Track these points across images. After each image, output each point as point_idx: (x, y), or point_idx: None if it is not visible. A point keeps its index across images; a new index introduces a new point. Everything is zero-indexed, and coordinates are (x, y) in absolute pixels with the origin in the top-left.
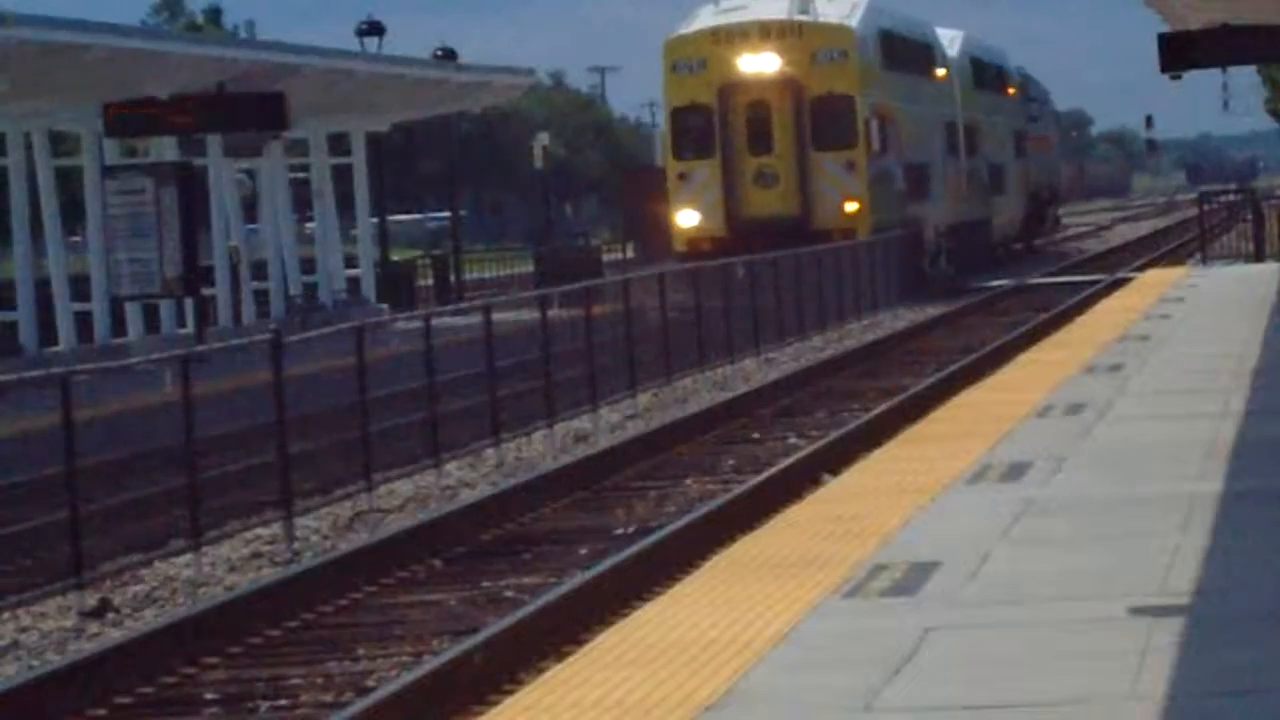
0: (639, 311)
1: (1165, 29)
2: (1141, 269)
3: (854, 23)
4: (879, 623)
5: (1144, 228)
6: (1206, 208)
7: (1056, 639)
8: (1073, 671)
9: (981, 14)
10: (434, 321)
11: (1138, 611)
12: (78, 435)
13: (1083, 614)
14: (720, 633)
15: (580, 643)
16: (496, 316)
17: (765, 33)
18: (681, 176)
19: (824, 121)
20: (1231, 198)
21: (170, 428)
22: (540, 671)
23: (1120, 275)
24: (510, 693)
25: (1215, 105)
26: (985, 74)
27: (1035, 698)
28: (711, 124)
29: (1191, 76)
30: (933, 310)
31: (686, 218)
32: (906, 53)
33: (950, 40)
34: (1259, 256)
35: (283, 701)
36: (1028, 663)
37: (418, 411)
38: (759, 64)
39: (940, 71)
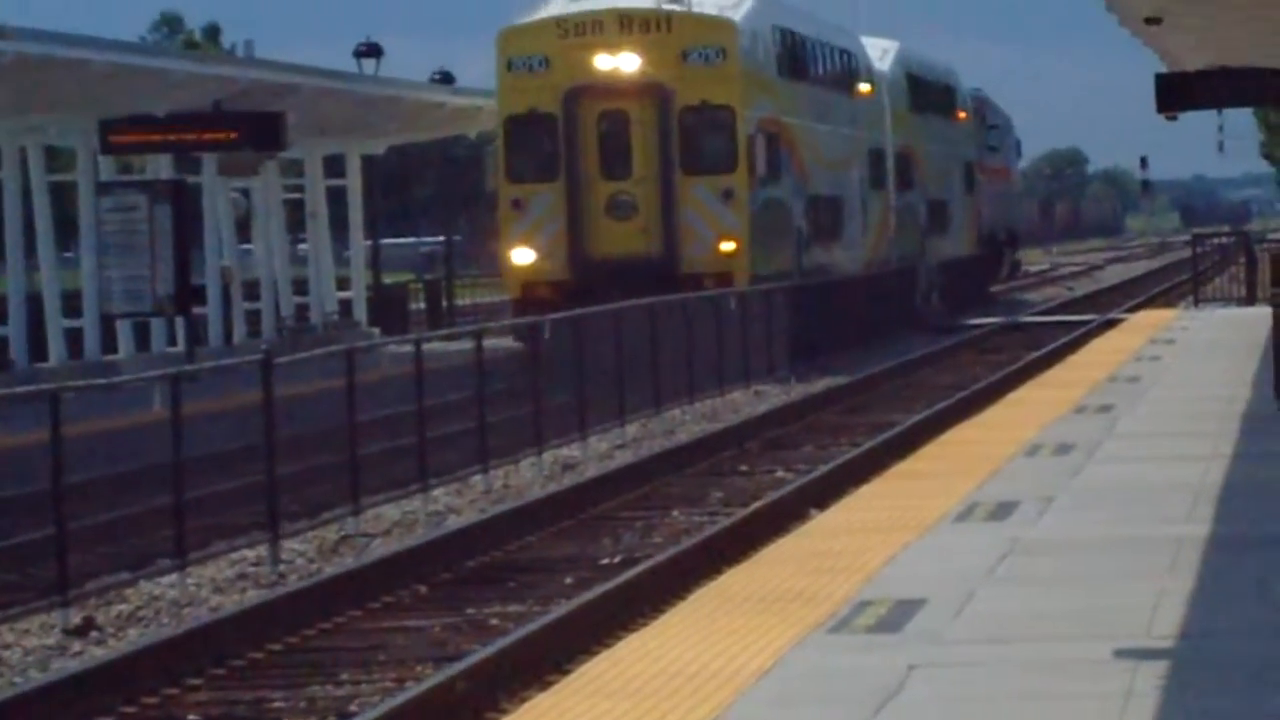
0: (630, 340)
1: (1163, 69)
2: (1133, 310)
3: (738, 16)
4: (863, 659)
5: (1137, 268)
6: (1199, 250)
7: (1040, 680)
8: (1056, 713)
9: (977, 48)
10: (425, 346)
11: (1122, 654)
12: (66, 452)
13: (1067, 655)
14: (705, 665)
15: (564, 672)
16: (488, 342)
17: (625, 24)
18: (516, 204)
19: (696, 138)
20: (1225, 240)
21: (158, 446)
22: (523, 700)
23: (1112, 316)
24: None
25: (1210, 147)
26: (926, 94)
27: None
28: (555, 138)
29: (1188, 118)
30: (921, 349)
31: (521, 256)
32: (815, 59)
33: (882, 52)
34: (1251, 300)
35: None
36: (1011, 703)
37: (407, 436)
38: (616, 64)
39: (864, 87)
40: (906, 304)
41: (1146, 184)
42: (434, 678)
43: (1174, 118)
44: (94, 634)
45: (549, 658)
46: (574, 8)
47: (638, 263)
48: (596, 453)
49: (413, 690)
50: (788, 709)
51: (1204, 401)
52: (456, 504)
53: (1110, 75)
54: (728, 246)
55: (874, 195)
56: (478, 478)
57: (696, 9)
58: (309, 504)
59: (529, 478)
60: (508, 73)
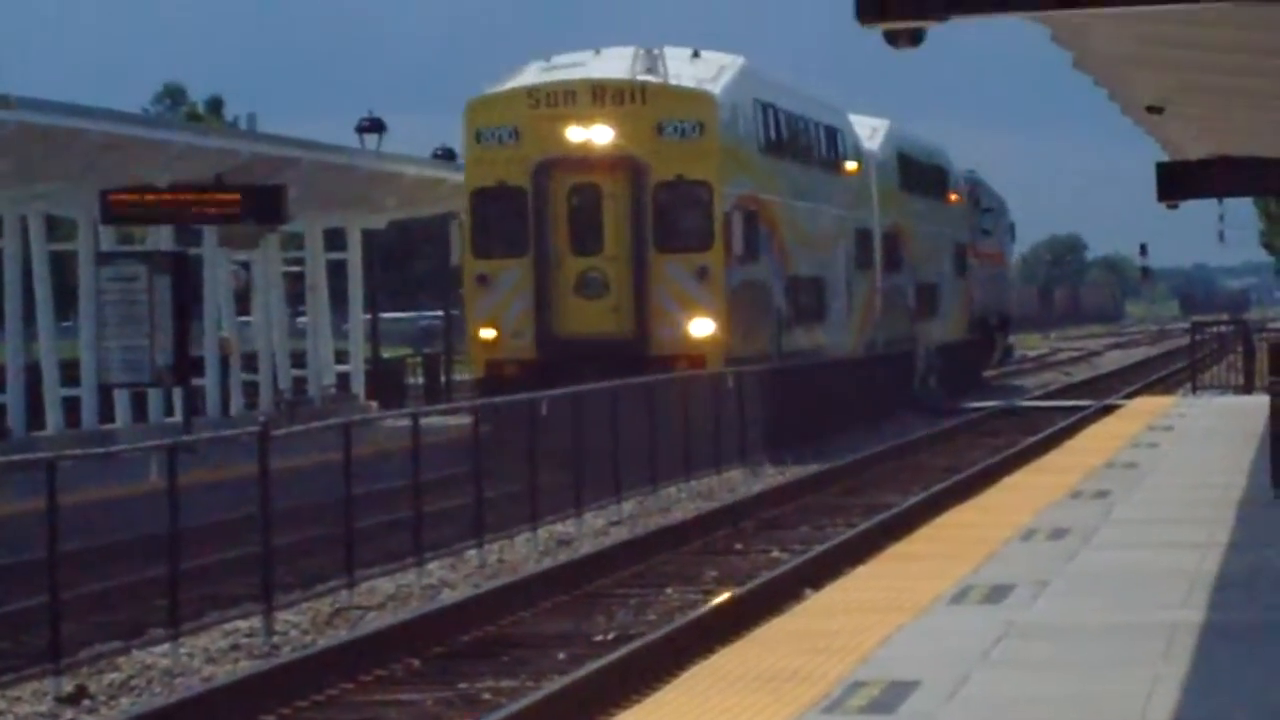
0: (625, 419)
1: (1164, 157)
2: (1131, 396)
3: (717, 89)
4: None
5: (1136, 355)
6: (1198, 338)
7: None
8: None
9: (978, 133)
10: (422, 421)
11: None
12: (61, 521)
13: None
14: None
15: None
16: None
17: (598, 95)
18: (482, 280)
19: (671, 215)
20: (1223, 329)
21: (154, 516)
22: None
23: (1109, 402)
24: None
25: (1211, 236)
26: (917, 174)
27: None
28: (524, 212)
29: (1188, 206)
30: (918, 431)
31: (486, 334)
32: (799, 135)
33: (872, 131)
34: (1248, 389)
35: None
36: None
37: (402, 510)
38: (588, 136)
39: (851, 165)
40: (903, 387)
41: (1146, 271)
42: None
43: (1175, 206)
44: (86, 702)
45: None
46: (545, 77)
47: (607, 343)
48: (592, 529)
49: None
50: None
51: (1201, 489)
52: (451, 578)
53: (1111, 163)
54: (703, 329)
55: (860, 276)
56: (473, 552)
57: (674, 80)
58: (304, 575)
59: (524, 553)
60: (476, 144)
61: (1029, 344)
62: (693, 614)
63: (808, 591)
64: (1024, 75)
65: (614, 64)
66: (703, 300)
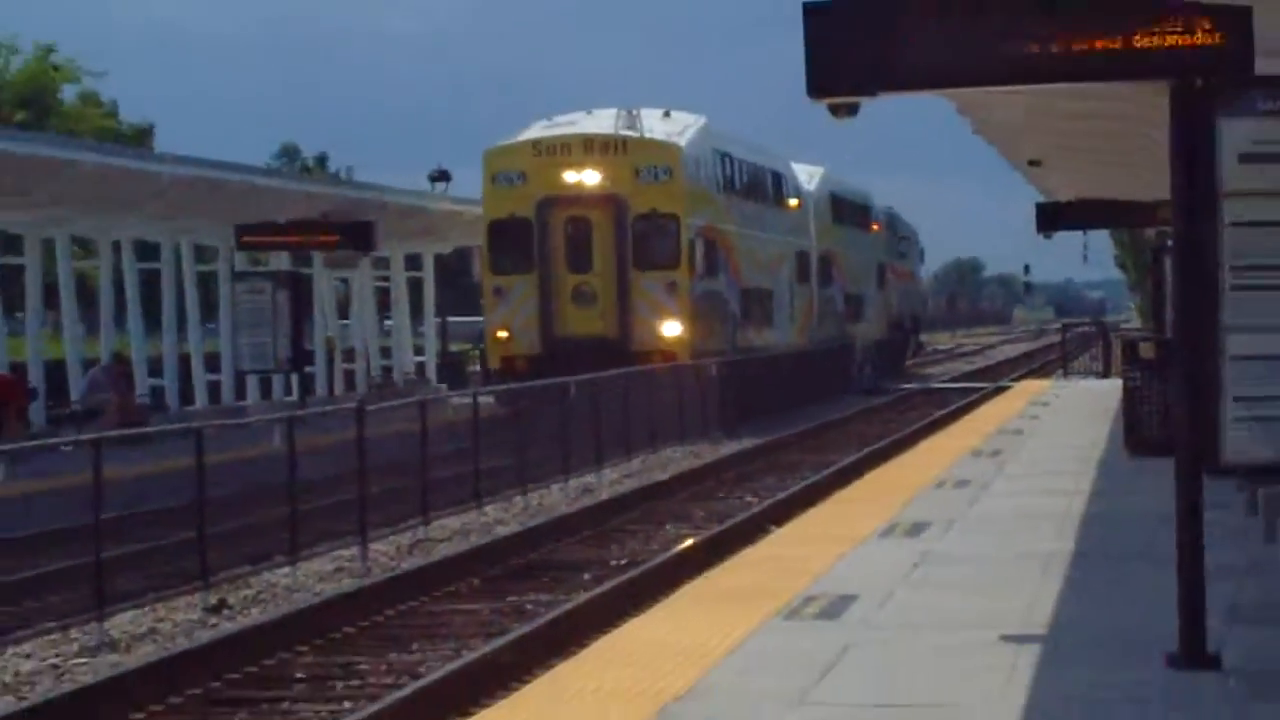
0: (632, 397)
1: (1041, 199)
2: (1017, 380)
3: (683, 141)
4: (810, 639)
5: (1021, 348)
6: (1068, 335)
7: (947, 657)
8: (959, 682)
9: (902, 181)
10: (480, 399)
11: (1007, 638)
12: (207, 474)
13: (967, 639)
14: (688, 642)
15: (583, 645)
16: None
17: (588, 147)
18: (497, 291)
19: (646, 241)
20: (1087, 328)
21: (276, 471)
22: (550, 667)
23: (1001, 384)
24: (528, 682)
25: (1077, 258)
26: (846, 209)
27: (930, 700)
28: (530, 239)
29: (1060, 236)
30: (856, 408)
31: (502, 334)
32: (750, 179)
33: (810, 175)
34: (1106, 373)
35: (354, 682)
36: (925, 674)
37: (464, 466)
38: (580, 179)
39: (793, 202)
40: (837, 374)
41: (1028, 285)
42: (483, 649)
43: (1049, 236)
44: (226, 611)
45: (572, 635)
46: (546, 133)
47: (597, 342)
48: (609, 481)
49: (467, 658)
50: (753, 676)
51: (1071, 450)
52: (503, 517)
53: (1002, 202)
54: (672, 330)
55: (800, 289)
56: (518, 498)
57: (648, 134)
58: (390, 516)
59: (557, 498)
60: (491, 185)
61: (939, 340)
62: (686, 544)
63: (772, 527)
64: (938, 136)
65: (601, 122)
66: (672, 308)
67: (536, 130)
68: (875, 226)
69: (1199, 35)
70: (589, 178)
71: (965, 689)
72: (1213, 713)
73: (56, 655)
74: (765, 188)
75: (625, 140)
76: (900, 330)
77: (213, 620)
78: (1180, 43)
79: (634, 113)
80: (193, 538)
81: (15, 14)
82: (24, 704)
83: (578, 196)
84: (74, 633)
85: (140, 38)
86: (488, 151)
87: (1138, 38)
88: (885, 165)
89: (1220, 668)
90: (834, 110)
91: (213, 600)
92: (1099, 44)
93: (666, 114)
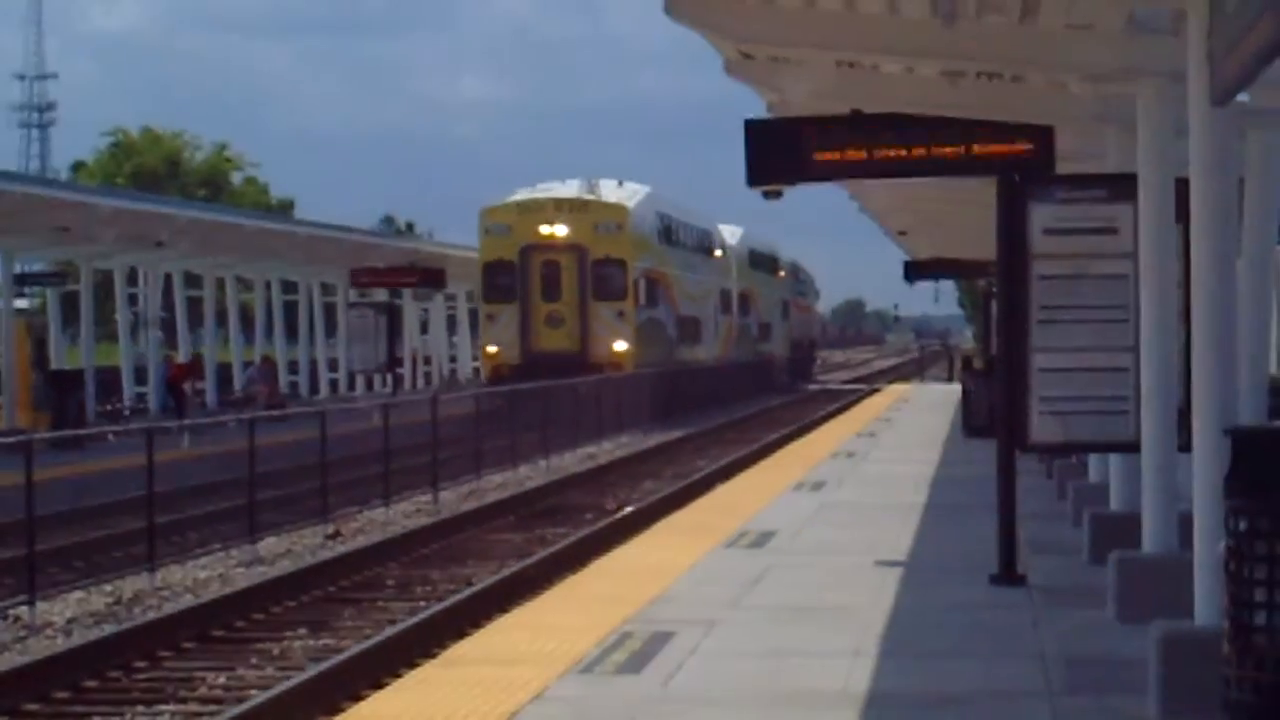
0: (625, 393)
1: (907, 257)
2: (889, 383)
3: (631, 204)
4: (744, 561)
5: (890, 361)
6: (924, 352)
7: (839, 574)
8: (848, 591)
9: (805, 241)
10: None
11: (880, 563)
12: (328, 442)
13: (853, 563)
14: (659, 562)
15: (585, 563)
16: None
17: (558, 206)
18: (489, 316)
19: (602, 279)
20: (937, 348)
21: (376, 440)
22: (563, 579)
23: (876, 386)
24: (547, 588)
25: (930, 298)
26: (760, 259)
27: (826, 604)
28: (514, 276)
29: (920, 283)
30: (776, 402)
31: (492, 349)
32: (683, 234)
33: (732, 233)
34: (950, 379)
35: (427, 587)
36: (823, 585)
37: (505, 438)
38: (552, 231)
39: (719, 253)
40: (755, 381)
41: (897, 318)
42: (516, 565)
43: (912, 283)
44: (339, 538)
45: (578, 557)
46: (527, 195)
47: (564, 355)
48: (607, 449)
49: (505, 572)
50: (703, 586)
51: (926, 432)
52: (531, 474)
53: (879, 258)
54: (621, 347)
55: (724, 318)
56: (542, 461)
57: (604, 198)
58: (454, 473)
59: (569, 461)
60: (486, 235)
61: (834, 357)
62: (659, 494)
63: (719, 484)
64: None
65: (570, 188)
66: (621, 330)
67: (521, 194)
68: (781, 273)
69: (1017, 145)
70: (559, 230)
71: (851, 597)
72: (1022, 615)
73: (223, 568)
74: (697, 241)
75: (586, 202)
76: (800, 349)
77: (330, 544)
78: (1004, 151)
79: (594, 182)
80: (317, 486)
81: (198, 120)
82: (201, 600)
83: (550, 244)
84: (234, 552)
85: (287, 138)
86: (483, 210)
87: (976, 146)
88: (800, 230)
89: (1026, 584)
90: (765, 194)
91: (330, 530)
92: (948, 151)
93: (620, 184)
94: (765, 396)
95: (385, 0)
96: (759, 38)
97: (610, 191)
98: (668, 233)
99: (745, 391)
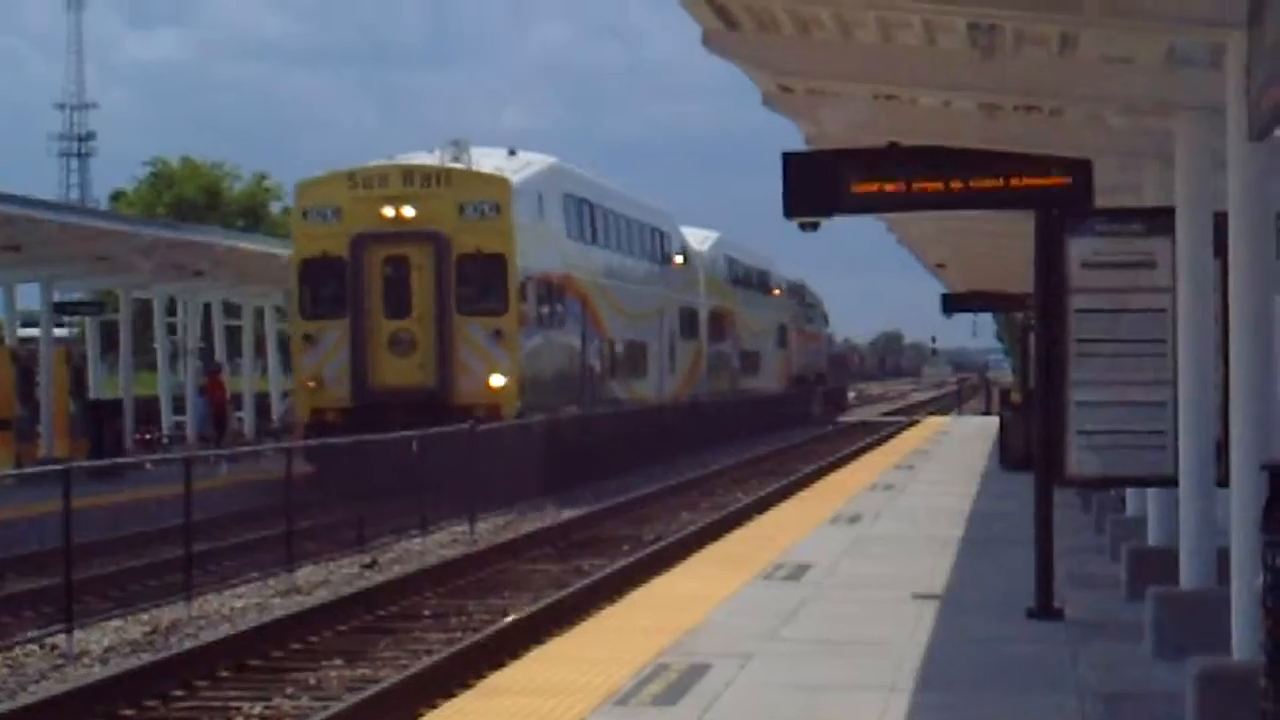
0: (644, 435)
1: (945, 290)
2: (927, 415)
3: (515, 178)
4: (779, 593)
5: (929, 394)
6: (962, 385)
7: (876, 608)
8: (884, 625)
9: (843, 275)
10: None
11: (917, 597)
12: (372, 469)
13: (888, 596)
14: (696, 593)
15: (622, 594)
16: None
17: (407, 178)
18: (307, 338)
19: (471, 283)
20: (974, 380)
21: (413, 473)
22: (600, 609)
23: (914, 418)
24: (585, 618)
25: (969, 331)
26: (743, 272)
27: (862, 637)
28: (343, 280)
29: (958, 316)
30: (813, 433)
31: (311, 383)
32: (619, 230)
33: (704, 238)
34: (988, 412)
35: (463, 618)
36: (859, 619)
37: (537, 473)
38: (399, 212)
39: (678, 259)
40: (726, 422)
41: (934, 350)
42: (553, 595)
43: (950, 315)
44: (376, 567)
45: (614, 588)
46: (364, 164)
47: (415, 393)
48: (638, 484)
49: (543, 602)
50: (740, 617)
51: (963, 464)
52: (571, 510)
53: (917, 291)
54: (498, 381)
55: (685, 344)
56: (581, 491)
57: (479, 167)
58: (492, 502)
59: (607, 495)
60: (303, 220)
61: (871, 389)
62: (695, 527)
63: (756, 516)
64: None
65: (425, 155)
66: (499, 357)
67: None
68: (777, 292)
69: (1055, 179)
70: (408, 212)
71: (887, 630)
72: (1059, 649)
73: (260, 596)
74: (641, 242)
75: (449, 172)
76: (803, 384)
77: (366, 573)
78: (1042, 184)
79: (461, 142)
80: (355, 516)
81: (237, 149)
82: (235, 630)
83: (395, 233)
84: (272, 581)
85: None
86: (299, 184)
87: (1013, 180)
88: (840, 263)
89: (1063, 618)
90: (802, 226)
91: (366, 560)
92: (986, 184)
93: (512, 152)
94: (754, 440)
95: (423, 33)
96: (797, 70)
97: (491, 159)
98: (586, 223)
99: (722, 435)
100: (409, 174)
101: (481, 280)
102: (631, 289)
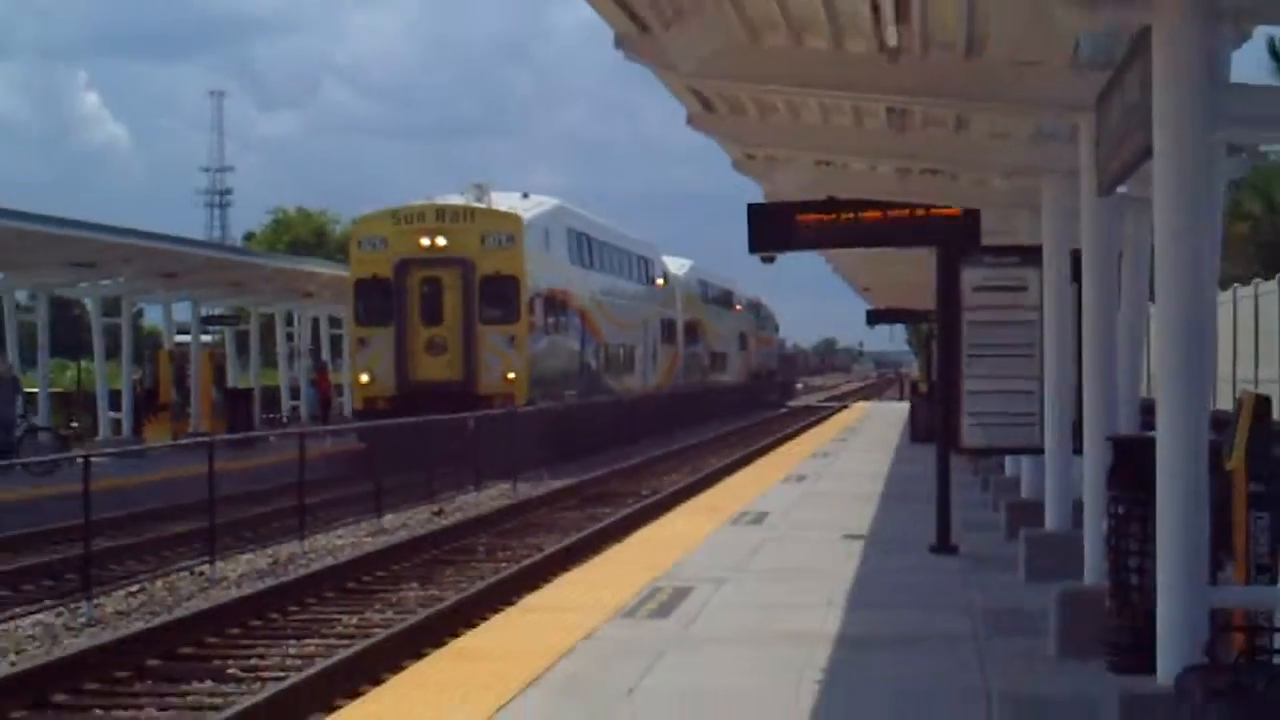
0: (641, 413)
1: (870, 307)
2: (856, 402)
3: (526, 215)
4: (744, 535)
5: (856, 385)
6: (881, 378)
7: (816, 545)
8: (823, 558)
9: (795, 295)
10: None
11: (847, 536)
12: (434, 441)
13: (827, 536)
14: (681, 534)
15: (627, 534)
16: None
17: (440, 215)
18: (361, 341)
19: (491, 298)
20: (891, 375)
21: (473, 441)
22: (608, 547)
23: (846, 404)
24: (598, 553)
25: (886, 338)
26: (712, 291)
27: (807, 567)
28: (389, 295)
29: (879, 327)
30: (769, 415)
31: (365, 378)
32: (609, 258)
33: (680, 265)
34: (901, 398)
35: (509, 551)
36: (804, 554)
37: (563, 443)
38: (433, 242)
39: (660, 281)
40: (697, 408)
41: (861, 352)
42: (574, 536)
43: (873, 326)
44: (442, 515)
45: (621, 531)
46: (406, 204)
47: (446, 384)
48: (588, 470)
49: (566, 541)
50: (714, 554)
51: (882, 438)
52: (588, 473)
53: (848, 309)
54: (510, 376)
55: (665, 347)
56: (592, 459)
57: (496, 206)
58: (529, 466)
59: (615, 460)
60: (358, 248)
61: (814, 382)
62: (678, 485)
63: (725, 477)
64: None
65: (453, 196)
66: (513, 357)
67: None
68: (738, 307)
69: (952, 224)
70: (440, 242)
71: (826, 561)
72: (954, 576)
73: (354, 537)
74: (629, 267)
75: (473, 210)
76: (760, 378)
77: (435, 519)
78: (943, 227)
79: (483, 186)
80: (425, 477)
81: (338, 201)
82: (336, 562)
83: (431, 258)
84: (364, 524)
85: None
86: (355, 220)
87: (921, 224)
88: (790, 286)
89: (957, 553)
90: (762, 258)
91: (435, 509)
92: (900, 228)
93: (525, 195)
94: (722, 420)
95: (478, 112)
96: (759, 143)
97: (507, 200)
98: (584, 252)
99: (694, 417)
100: (441, 211)
101: (499, 296)
102: (621, 303)
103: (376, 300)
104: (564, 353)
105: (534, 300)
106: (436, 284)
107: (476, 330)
